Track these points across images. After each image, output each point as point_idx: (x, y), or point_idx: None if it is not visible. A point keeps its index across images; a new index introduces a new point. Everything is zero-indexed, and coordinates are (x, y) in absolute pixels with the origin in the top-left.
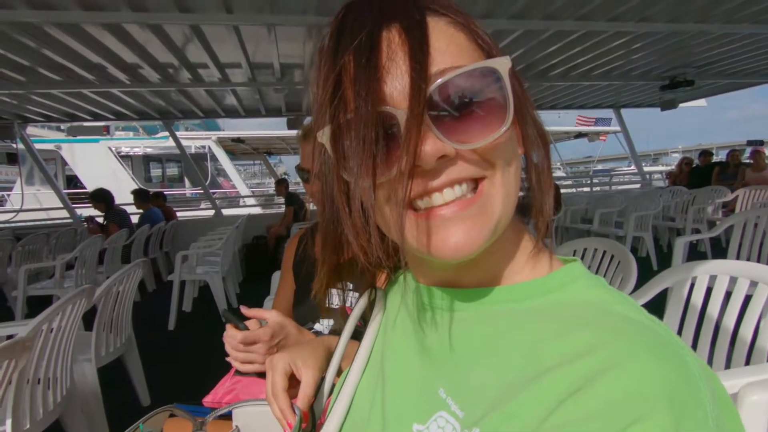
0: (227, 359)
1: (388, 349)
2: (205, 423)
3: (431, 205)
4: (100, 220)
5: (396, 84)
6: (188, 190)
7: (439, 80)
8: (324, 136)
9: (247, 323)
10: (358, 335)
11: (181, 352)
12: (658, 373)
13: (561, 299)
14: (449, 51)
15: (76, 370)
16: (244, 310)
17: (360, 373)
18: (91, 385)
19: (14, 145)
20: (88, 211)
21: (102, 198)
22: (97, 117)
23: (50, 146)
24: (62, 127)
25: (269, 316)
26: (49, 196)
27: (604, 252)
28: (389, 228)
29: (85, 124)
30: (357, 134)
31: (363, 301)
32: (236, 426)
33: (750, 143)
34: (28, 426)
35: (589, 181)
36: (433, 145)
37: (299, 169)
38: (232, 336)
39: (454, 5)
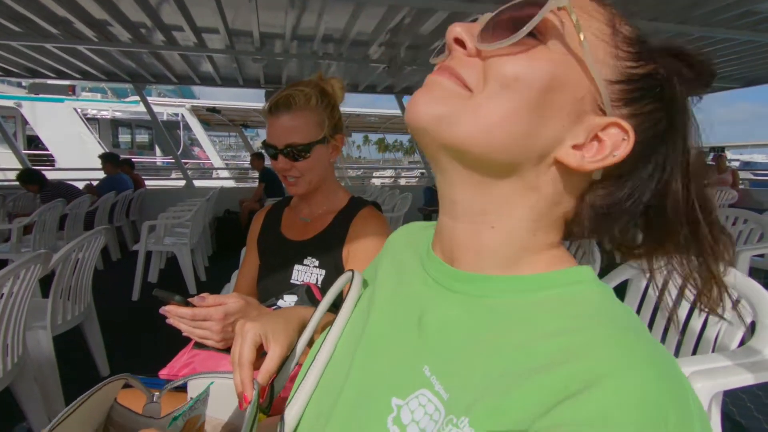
0: (184, 334)
1: (377, 313)
2: (159, 395)
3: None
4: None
5: None
6: (159, 159)
7: None
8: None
9: (193, 300)
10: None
11: (143, 324)
12: (655, 385)
13: (565, 296)
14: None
15: (30, 338)
16: (205, 296)
17: (332, 348)
18: (46, 354)
19: None
20: (52, 174)
21: (33, 179)
22: (61, 75)
23: (9, 103)
24: (23, 84)
25: (230, 301)
26: (7, 156)
27: (570, 243)
28: None
29: (49, 81)
30: None
31: (343, 279)
32: (191, 398)
33: (712, 150)
34: None
35: None
36: (464, 29)
37: (266, 145)
38: (183, 315)
39: None
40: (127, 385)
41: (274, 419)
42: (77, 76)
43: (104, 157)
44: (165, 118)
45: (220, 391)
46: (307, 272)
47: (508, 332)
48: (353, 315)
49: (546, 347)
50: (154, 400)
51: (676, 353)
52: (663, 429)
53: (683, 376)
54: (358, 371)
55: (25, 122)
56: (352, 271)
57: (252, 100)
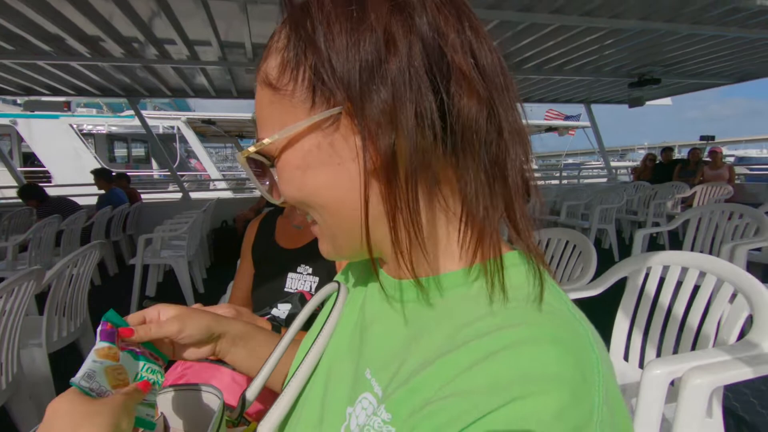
0: None
1: (343, 325)
2: None
3: None
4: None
5: None
6: (155, 172)
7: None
8: None
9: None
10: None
11: None
12: (553, 359)
13: (490, 284)
14: (261, 119)
15: (25, 356)
16: (198, 307)
17: (311, 367)
18: (42, 371)
19: None
20: (56, 191)
21: (32, 194)
22: (55, 92)
23: (5, 121)
24: (18, 101)
25: (220, 311)
26: (4, 174)
27: (567, 242)
28: None
29: (43, 98)
30: None
31: (323, 293)
32: (161, 413)
33: (702, 138)
34: None
35: (558, 174)
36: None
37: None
38: None
39: (273, 52)
40: None
41: None
42: (71, 92)
43: (97, 173)
44: (161, 131)
45: (188, 403)
46: (300, 280)
47: (439, 328)
48: (340, 327)
49: (466, 332)
50: None
51: (676, 349)
52: (555, 399)
53: (596, 357)
54: (323, 382)
55: (20, 139)
56: (338, 283)
57: (246, 111)
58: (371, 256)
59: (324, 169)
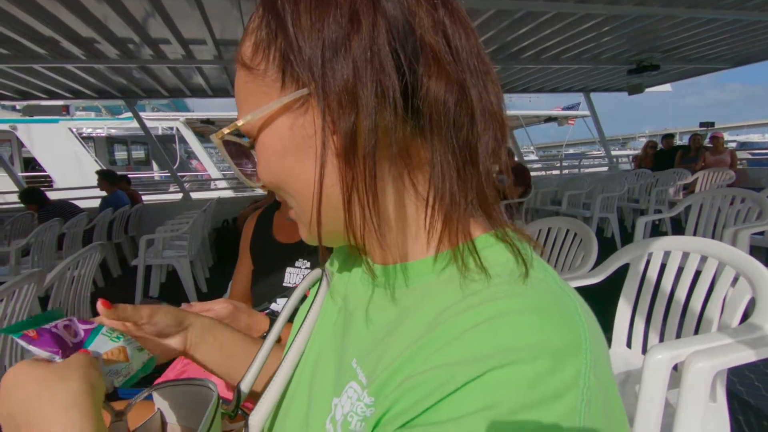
0: None
1: (328, 315)
2: (125, 412)
3: None
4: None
5: None
6: (156, 173)
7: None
8: None
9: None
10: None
11: None
12: (536, 329)
13: (469, 266)
14: (238, 101)
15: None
16: (193, 304)
17: (297, 356)
18: None
19: None
20: (58, 194)
21: (33, 198)
22: (52, 95)
23: (5, 126)
24: (17, 107)
25: (217, 307)
26: (5, 180)
27: (568, 231)
28: None
29: (41, 103)
30: None
31: (307, 281)
32: (158, 408)
33: (702, 125)
34: None
35: (559, 164)
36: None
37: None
38: None
39: (248, 42)
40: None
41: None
42: (68, 95)
43: (101, 174)
44: (160, 132)
45: (186, 398)
46: (298, 274)
47: (421, 312)
48: (325, 316)
49: (447, 313)
50: (120, 418)
51: (678, 335)
52: (531, 367)
53: (582, 328)
54: (310, 376)
55: (21, 145)
56: (322, 270)
57: None
58: (320, 241)
59: (298, 154)
